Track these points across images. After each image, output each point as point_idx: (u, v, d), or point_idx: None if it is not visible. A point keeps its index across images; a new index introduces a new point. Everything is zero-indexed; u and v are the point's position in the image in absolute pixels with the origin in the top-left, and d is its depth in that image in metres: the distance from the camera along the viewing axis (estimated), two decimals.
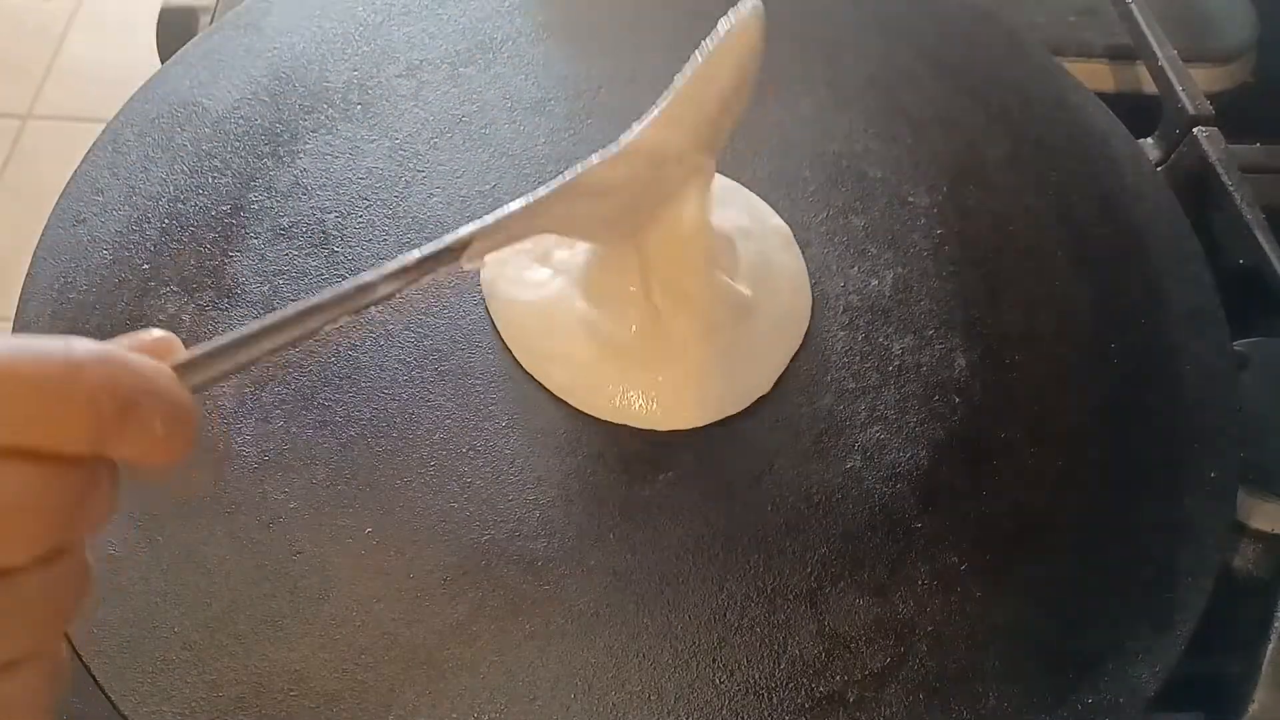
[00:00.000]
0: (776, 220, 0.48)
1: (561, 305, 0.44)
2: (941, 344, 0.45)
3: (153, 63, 0.54)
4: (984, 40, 0.56)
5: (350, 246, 0.45)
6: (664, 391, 0.42)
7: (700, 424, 0.42)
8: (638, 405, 0.42)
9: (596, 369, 0.42)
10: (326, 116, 0.49)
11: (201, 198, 0.46)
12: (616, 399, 0.42)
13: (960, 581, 0.39)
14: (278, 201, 0.46)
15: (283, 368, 0.42)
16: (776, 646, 0.37)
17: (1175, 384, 0.45)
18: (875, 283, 0.47)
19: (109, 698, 0.35)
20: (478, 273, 0.45)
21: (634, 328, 0.42)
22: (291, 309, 0.27)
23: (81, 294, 0.43)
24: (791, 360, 0.44)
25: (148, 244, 0.45)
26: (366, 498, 0.40)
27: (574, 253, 0.44)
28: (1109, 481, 0.42)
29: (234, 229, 0.46)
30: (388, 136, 0.49)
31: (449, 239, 0.31)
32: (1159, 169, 0.53)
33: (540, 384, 0.42)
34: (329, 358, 0.43)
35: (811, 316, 0.45)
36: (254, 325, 0.26)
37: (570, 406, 0.42)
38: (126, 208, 0.46)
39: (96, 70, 1.34)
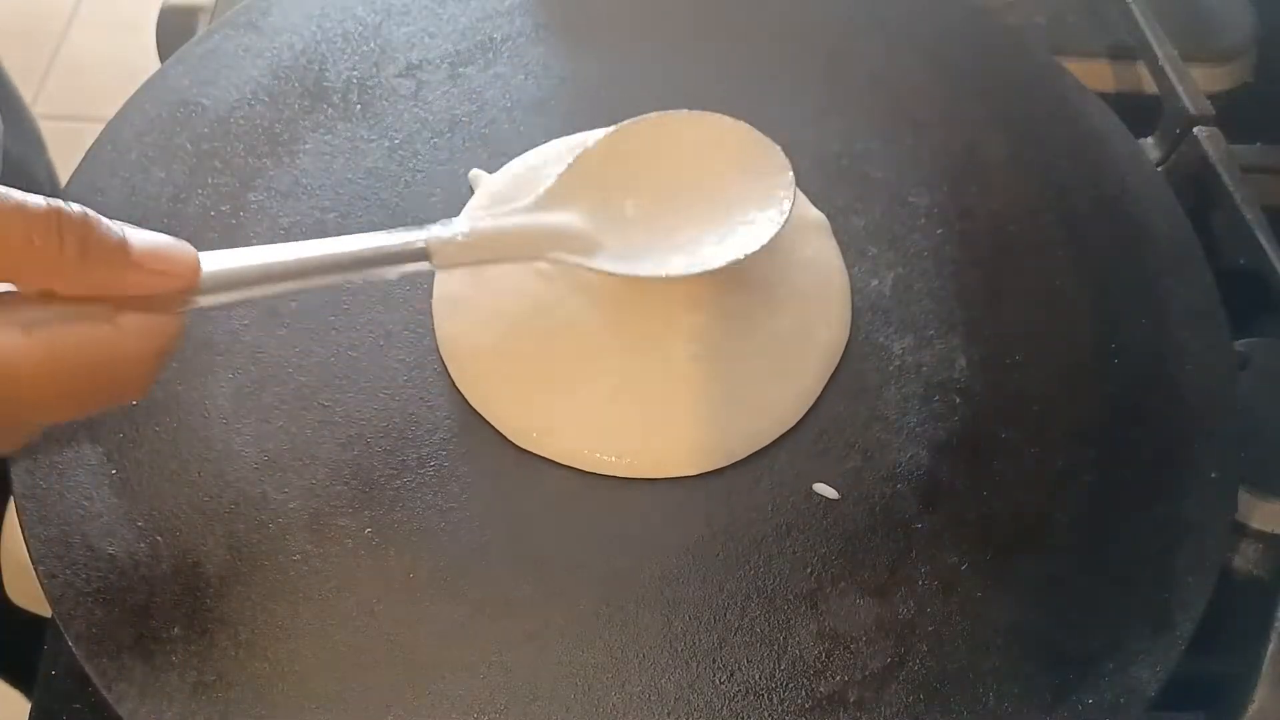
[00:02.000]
0: (814, 212, 0.48)
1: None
2: (941, 344, 0.45)
3: (153, 63, 0.54)
4: (984, 40, 0.56)
5: None
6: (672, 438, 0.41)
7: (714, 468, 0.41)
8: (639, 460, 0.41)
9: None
10: (326, 116, 0.49)
11: (201, 198, 0.46)
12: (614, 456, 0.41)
13: (960, 581, 0.39)
14: (278, 201, 0.46)
15: (283, 368, 0.42)
16: (776, 647, 0.38)
17: (1175, 384, 0.44)
18: (875, 283, 0.47)
19: (109, 698, 0.35)
20: None
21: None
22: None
23: None
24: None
25: None
26: (366, 498, 0.40)
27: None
28: (1109, 481, 0.42)
29: (234, 229, 0.46)
30: (388, 136, 0.49)
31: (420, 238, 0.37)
32: (1159, 169, 0.53)
33: None
34: (329, 357, 0.43)
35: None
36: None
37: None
38: (126, 208, 0.46)
39: (96, 70, 1.34)
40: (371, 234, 0.37)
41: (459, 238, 0.38)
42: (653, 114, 0.43)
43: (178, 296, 0.31)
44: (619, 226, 0.41)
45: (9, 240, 0.27)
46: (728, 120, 0.43)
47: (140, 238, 0.30)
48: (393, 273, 0.37)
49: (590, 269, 0.40)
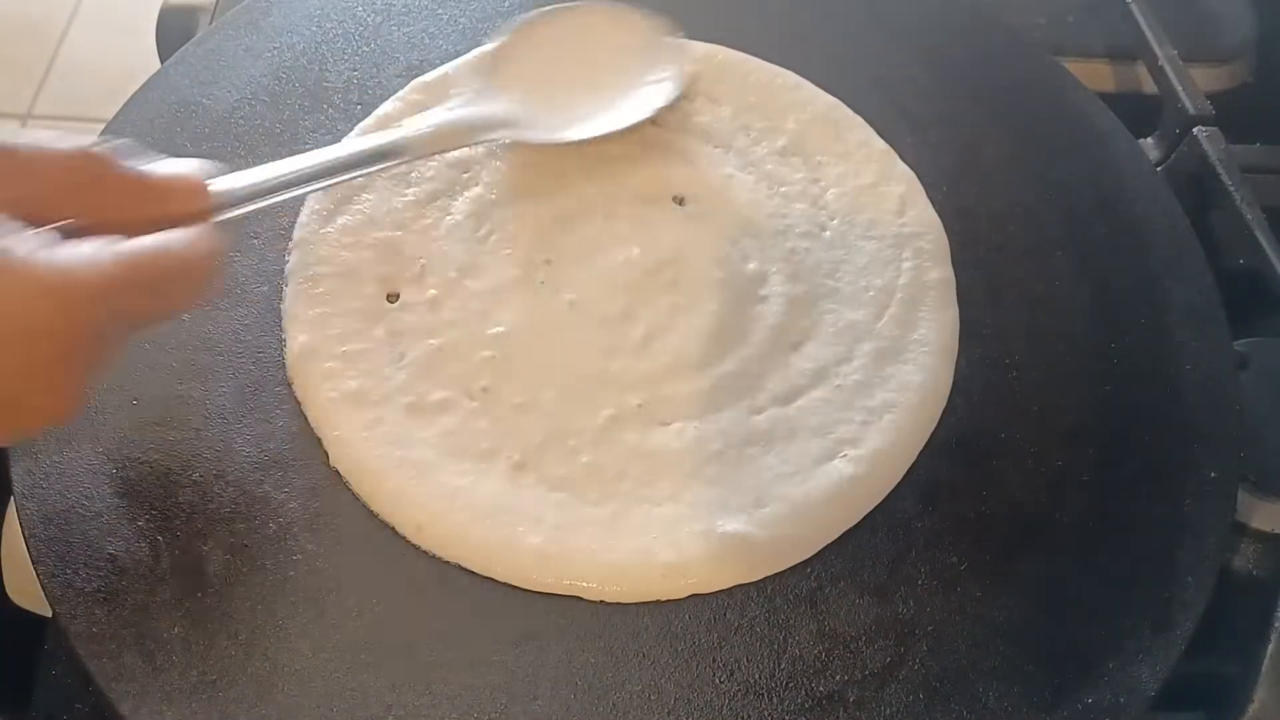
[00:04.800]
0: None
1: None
2: None
3: (153, 63, 0.53)
4: (984, 40, 0.56)
5: None
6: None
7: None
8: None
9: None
10: (326, 116, 0.49)
11: None
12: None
13: (960, 581, 0.39)
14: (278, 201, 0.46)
15: (282, 367, 0.42)
16: (776, 646, 0.38)
17: (1175, 384, 0.44)
18: None
19: (109, 698, 0.35)
20: None
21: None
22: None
23: None
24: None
25: None
26: None
27: None
28: (1109, 481, 0.42)
29: (234, 229, 0.45)
30: None
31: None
32: (1159, 169, 0.53)
33: None
34: None
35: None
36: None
37: None
38: None
39: (96, 70, 1.34)
40: (354, 139, 0.45)
41: (428, 131, 0.44)
42: (552, 8, 0.50)
43: (201, 213, 0.36)
44: (539, 111, 0.47)
45: (54, 177, 0.33)
46: (622, 10, 0.50)
47: (156, 169, 0.35)
48: (376, 169, 0.43)
49: (529, 142, 0.47)
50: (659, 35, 0.50)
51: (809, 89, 0.51)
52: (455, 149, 0.46)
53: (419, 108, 0.48)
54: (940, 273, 0.46)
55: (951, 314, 0.45)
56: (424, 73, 0.51)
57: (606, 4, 0.50)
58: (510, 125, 0.46)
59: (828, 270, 0.45)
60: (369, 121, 0.48)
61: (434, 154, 0.46)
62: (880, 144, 0.49)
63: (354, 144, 0.42)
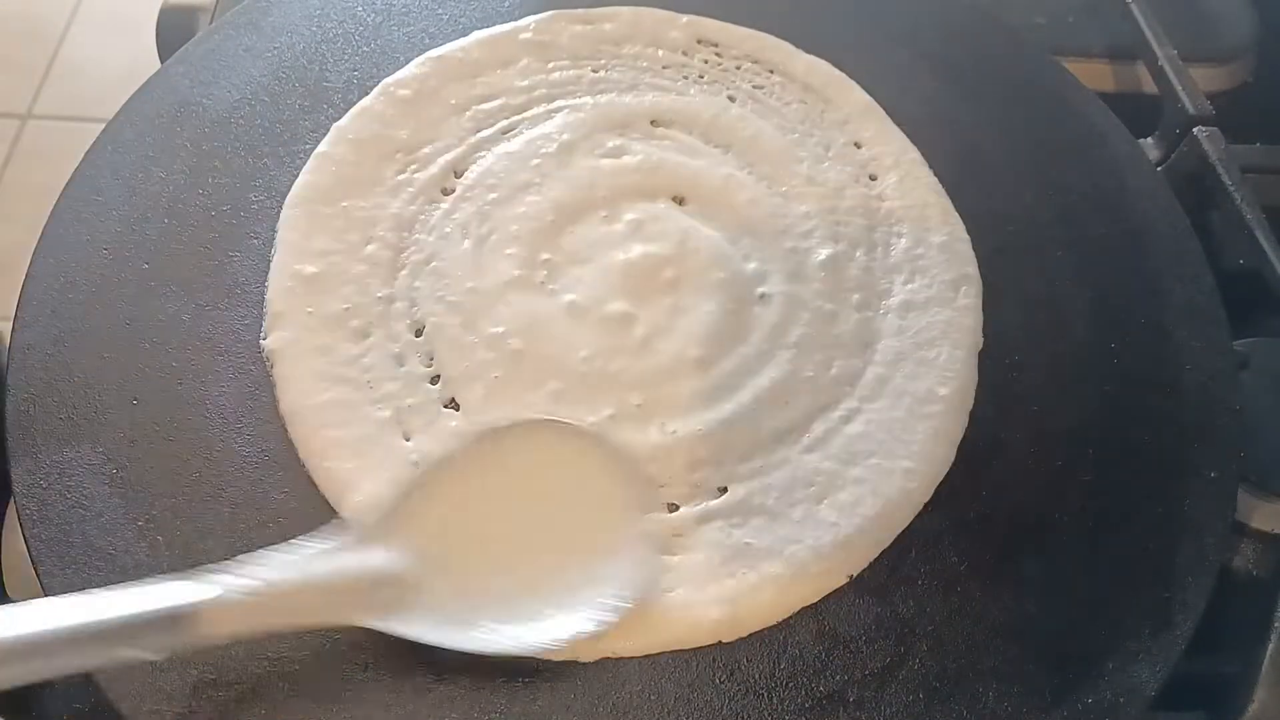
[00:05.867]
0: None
1: None
2: None
3: (153, 63, 0.53)
4: (984, 40, 0.56)
5: None
6: None
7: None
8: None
9: None
10: (326, 116, 0.49)
11: (201, 198, 0.46)
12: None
13: (960, 581, 0.39)
14: (278, 201, 0.46)
15: None
16: (776, 646, 0.37)
17: (1175, 384, 0.45)
18: None
19: (109, 697, 0.35)
20: None
21: None
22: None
23: (81, 294, 0.43)
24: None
25: (148, 244, 0.45)
26: None
27: None
28: (1109, 481, 0.42)
29: (234, 229, 0.46)
30: None
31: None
32: (1159, 169, 0.53)
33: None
34: None
35: None
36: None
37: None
38: (126, 208, 0.46)
39: (96, 70, 1.34)
40: (122, 590, 0.28)
41: (242, 596, 0.29)
42: (507, 425, 0.38)
43: None
44: (447, 570, 0.34)
45: None
46: (592, 442, 0.37)
47: None
48: (149, 650, 0.29)
49: (399, 634, 0.33)
50: (635, 487, 0.37)
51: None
52: (289, 628, 0.34)
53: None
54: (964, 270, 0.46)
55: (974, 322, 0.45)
56: None
57: (569, 426, 0.38)
58: (389, 595, 0.34)
59: (828, 270, 0.45)
60: (368, 100, 0.49)
61: (252, 633, 0.32)
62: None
63: (104, 604, 0.29)
